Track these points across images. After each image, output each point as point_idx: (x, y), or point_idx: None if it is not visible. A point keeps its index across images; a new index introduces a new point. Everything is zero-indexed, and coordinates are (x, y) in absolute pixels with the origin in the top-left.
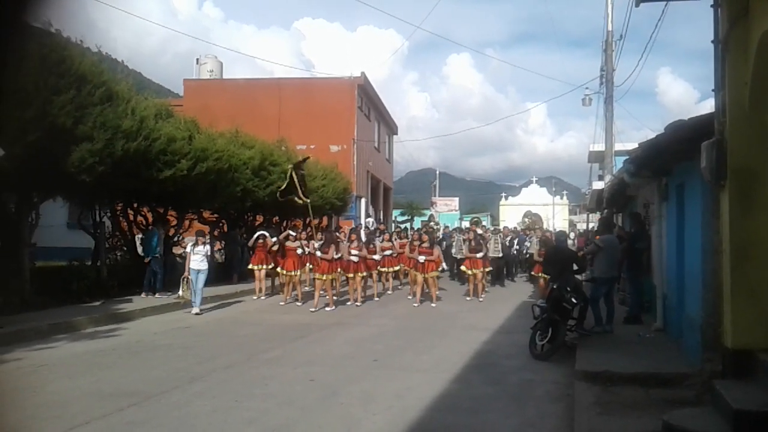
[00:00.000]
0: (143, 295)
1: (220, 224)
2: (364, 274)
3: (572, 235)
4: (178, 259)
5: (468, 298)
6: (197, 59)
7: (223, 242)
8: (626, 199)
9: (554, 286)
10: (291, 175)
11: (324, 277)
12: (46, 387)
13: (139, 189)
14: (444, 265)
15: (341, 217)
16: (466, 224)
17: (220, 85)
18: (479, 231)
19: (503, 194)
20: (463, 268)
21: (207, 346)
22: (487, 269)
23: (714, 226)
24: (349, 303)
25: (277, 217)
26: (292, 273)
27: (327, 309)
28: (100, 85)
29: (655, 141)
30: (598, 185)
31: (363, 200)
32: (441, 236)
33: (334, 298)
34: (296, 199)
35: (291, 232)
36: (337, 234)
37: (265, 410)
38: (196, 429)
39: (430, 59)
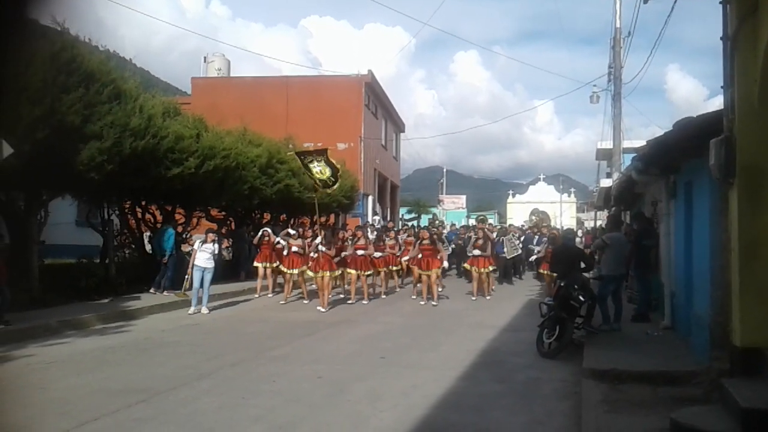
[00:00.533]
0: (152, 291)
1: (228, 222)
2: (370, 272)
3: (579, 232)
4: (187, 256)
5: (473, 298)
6: (205, 57)
7: (231, 240)
8: (634, 197)
9: (562, 284)
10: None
11: (320, 275)
12: (55, 384)
13: (147, 187)
14: (445, 263)
15: (348, 215)
16: (473, 222)
17: (227, 83)
18: (486, 229)
19: (510, 192)
20: (466, 266)
21: (215, 343)
22: (492, 267)
23: (722, 224)
24: (350, 302)
25: (284, 215)
26: (294, 271)
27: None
28: (108, 84)
29: (663, 138)
30: (606, 183)
31: (370, 198)
32: (447, 234)
33: (331, 297)
34: (322, 188)
35: (290, 230)
36: (343, 232)
37: (273, 407)
38: (204, 426)
39: (437, 57)
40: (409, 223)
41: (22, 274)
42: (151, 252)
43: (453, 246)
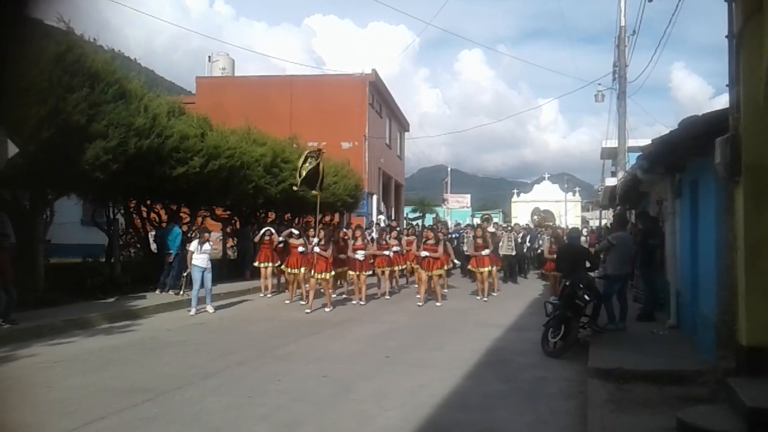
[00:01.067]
0: (158, 291)
1: (233, 221)
2: (369, 273)
3: (584, 231)
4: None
5: (477, 297)
6: (209, 57)
7: (236, 239)
8: (639, 196)
9: (567, 283)
10: (315, 165)
11: (318, 276)
12: (60, 383)
13: (152, 186)
14: (455, 261)
15: (353, 214)
16: (477, 221)
17: (231, 83)
18: (490, 228)
19: (515, 191)
20: (470, 267)
21: (220, 342)
22: (496, 267)
23: (728, 223)
24: (353, 302)
25: (288, 214)
26: (296, 271)
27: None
28: (113, 83)
29: (668, 137)
30: (611, 182)
31: (374, 197)
32: (452, 233)
33: (334, 297)
34: (312, 191)
35: (293, 230)
36: (345, 231)
37: (278, 406)
38: (210, 425)
39: (442, 55)
40: (413, 223)
41: (27, 273)
42: (156, 251)
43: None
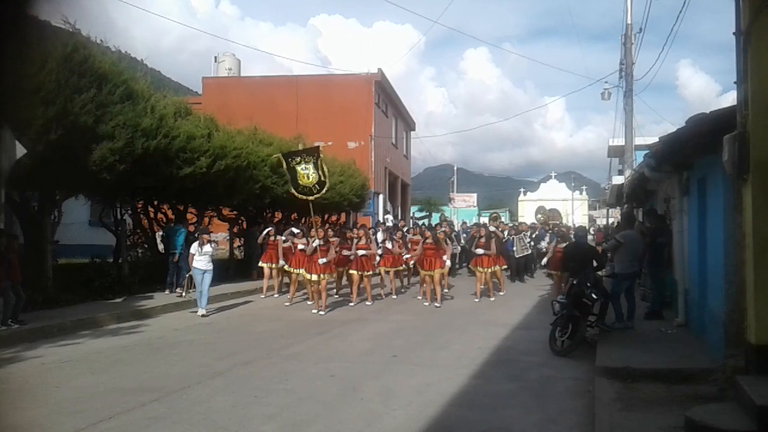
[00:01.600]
0: (167, 292)
1: (240, 221)
2: (371, 273)
3: (591, 230)
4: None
5: (476, 299)
6: (215, 57)
7: (243, 239)
8: (647, 194)
9: (574, 282)
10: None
11: (311, 278)
12: (69, 382)
13: (159, 187)
14: (448, 262)
15: (359, 214)
16: (484, 220)
17: (238, 83)
18: (491, 228)
19: (522, 190)
20: (470, 266)
21: (227, 342)
22: (502, 267)
23: (736, 221)
24: (351, 304)
25: (295, 214)
26: (298, 271)
27: (320, 313)
28: (120, 84)
29: (675, 135)
30: (618, 180)
31: (381, 197)
32: (457, 232)
33: (338, 298)
34: (309, 197)
35: (294, 229)
36: (349, 231)
37: (286, 406)
38: (218, 424)
39: (447, 54)
40: (420, 222)
41: (36, 274)
42: (163, 251)
43: (463, 244)
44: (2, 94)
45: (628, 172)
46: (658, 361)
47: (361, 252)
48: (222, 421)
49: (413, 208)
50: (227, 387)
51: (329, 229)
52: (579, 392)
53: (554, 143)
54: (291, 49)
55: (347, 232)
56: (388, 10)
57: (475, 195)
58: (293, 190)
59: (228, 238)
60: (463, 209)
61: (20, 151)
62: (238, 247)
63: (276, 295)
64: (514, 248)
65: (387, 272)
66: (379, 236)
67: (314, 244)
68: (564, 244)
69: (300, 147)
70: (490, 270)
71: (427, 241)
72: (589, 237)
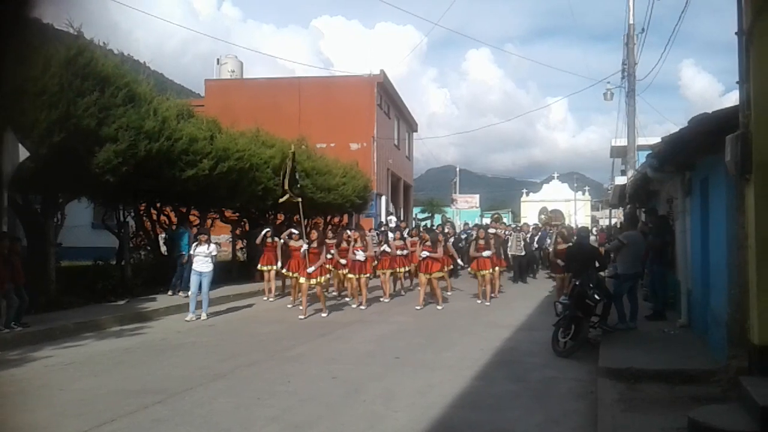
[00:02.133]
0: (170, 293)
1: (242, 223)
2: (369, 275)
3: (594, 230)
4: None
5: (478, 301)
6: (218, 59)
7: (245, 241)
8: (649, 195)
9: (577, 283)
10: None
11: (311, 281)
12: (72, 384)
13: (162, 189)
14: (459, 261)
15: (362, 215)
16: (487, 221)
17: (240, 85)
18: (491, 230)
19: (524, 190)
20: (469, 269)
21: (230, 344)
22: (501, 268)
23: (739, 221)
24: (353, 306)
25: (297, 216)
26: (296, 275)
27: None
28: (122, 87)
29: (678, 135)
30: (621, 180)
31: (383, 198)
32: (460, 233)
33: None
34: (293, 198)
35: (293, 231)
36: (348, 233)
37: (288, 407)
38: (221, 426)
39: (449, 55)
40: (423, 223)
41: (39, 276)
42: (166, 253)
43: (463, 245)
44: (6, 98)
45: (630, 173)
46: (661, 361)
47: (358, 254)
48: (225, 423)
49: (416, 210)
50: (230, 389)
51: (329, 231)
52: (582, 393)
53: (557, 144)
54: (293, 51)
55: (344, 233)
56: (389, 12)
57: (477, 196)
58: (287, 190)
59: (230, 240)
60: (466, 210)
61: (23, 154)
62: (241, 248)
63: (272, 299)
64: (510, 244)
65: (384, 274)
66: (390, 236)
67: (304, 247)
68: (564, 245)
69: (303, 147)
70: (489, 272)
71: (426, 243)
72: (592, 238)
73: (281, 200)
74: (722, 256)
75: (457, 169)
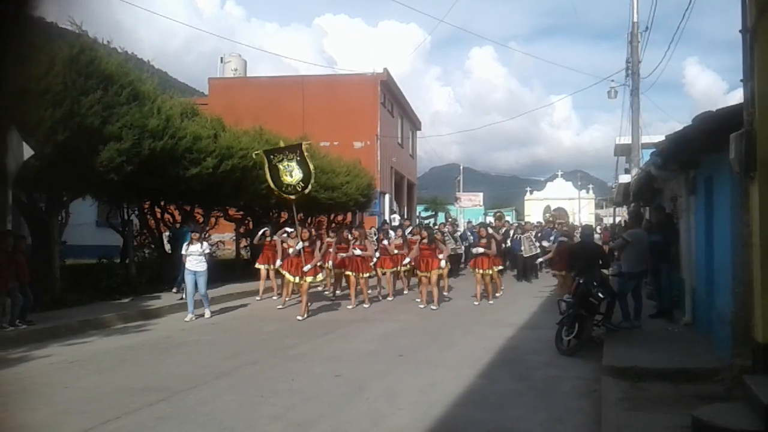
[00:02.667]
0: (174, 290)
1: (246, 221)
2: (368, 274)
3: (598, 229)
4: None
5: (475, 303)
6: (221, 58)
7: (249, 239)
8: (653, 193)
9: (581, 281)
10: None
11: (295, 280)
12: (77, 382)
13: (166, 187)
14: (442, 263)
15: (365, 214)
16: (490, 219)
17: (244, 84)
18: (490, 230)
19: (528, 189)
20: (468, 268)
21: (233, 342)
22: (497, 268)
23: (743, 219)
24: (350, 307)
25: (301, 214)
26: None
27: (298, 318)
28: (126, 85)
29: (682, 133)
30: (625, 179)
31: (387, 196)
32: (462, 232)
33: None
34: (283, 192)
35: (288, 229)
36: (348, 233)
37: (292, 405)
38: (224, 424)
39: (453, 53)
40: (425, 222)
41: (44, 274)
42: (170, 251)
43: (467, 245)
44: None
45: (634, 171)
46: (665, 360)
47: (357, 252)
48: (228, 421)
49: (419, 208)
50: (233, 387)
51: (328, 230)
52: (585, 392)
53: (561, 142)
54: (296, 50)
55: (344, 232)
56: (393, 10)
57: (481, 194)
58: (274, 188)
59: (234, 238)
60: (469, 209)
61: (28, 152)
62: (245, 247)
63: (275, 297)
64: (522, 247)
65: (384, 273)
66: (392, 234)
67: (298, 246)
68: (565, 240)
69: (306, 146)
70: (489, 271)
71: (423, 241)
72: (596, 236)
73: (291, 197)
74: (727, 255)
75: (461, 168)
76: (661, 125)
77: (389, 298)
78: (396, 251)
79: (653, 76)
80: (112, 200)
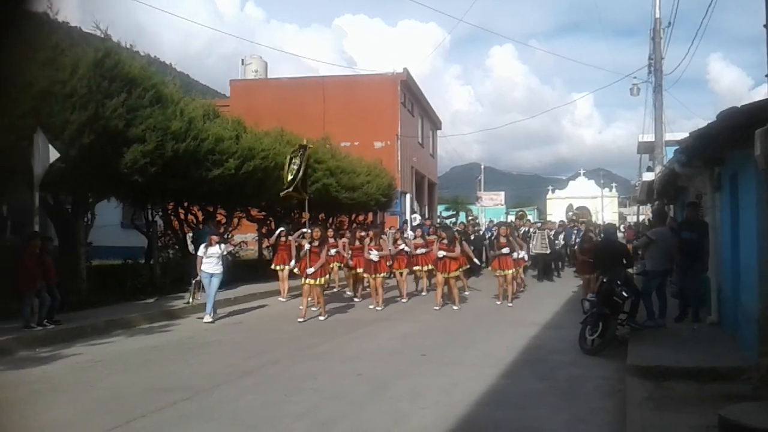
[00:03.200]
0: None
1: (268, 221)
2: (384, 275)
3: (621, 227)
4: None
5: (497, 302)
6: (242, 60)
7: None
8: (677, 191)
9: (605, 280)
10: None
11: (308, 282)
12: (102, 382)
13: (188, 188)
14: (476, 260)
15: (387, 213)
16: (512, 218)
17: (264, 85)
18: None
19: (550, 188)
20: (490, 268)
21: (256, 341)
22: (520, 268)
23: None
24: (370, 306)
25: (323, 214)
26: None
27: (320, 318)
28: (149, 88)
29: (706, 129)
30: (648, 177)
31: (408, 196)
32: (484, 230)
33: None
34: (294, 193)
35: (305, 230)
36: (362, 233)
37: (314, 404)
38: (247, 423)
39: (473, 52)
40: (447, 221)
41: (70, 275)
42: (193, 252)
43: (486, 243)
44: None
45: (658, 169)
46: (691, 359)
47: (373, 258)
48: (251, 420)
49: (440, 207)
50: (256, 386)
51: (348, 230)
52: (609, 391)
53: (583, 140)
54: (316, 50)
55: (357, 231)
56: (412, 9)
57: (502, 193)
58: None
59: (257, 238)
60: (491, 208)
61: (54, 155)
62: (267, 247)
63: (284, 300)
64: (532, 243)
65: (401, 274)
66: (410, 234)
67: (306, 247)
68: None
69: (327, 146)
70: (511, 272)
71: (443, 241)
72: (620, 234)
73: (282, 193)
74: (753, 252)
75: (482, 167)
76: (685, 122)
77: (403, 300)
78: (418, 251)
79: (676, 72)
80: (137, 202)
